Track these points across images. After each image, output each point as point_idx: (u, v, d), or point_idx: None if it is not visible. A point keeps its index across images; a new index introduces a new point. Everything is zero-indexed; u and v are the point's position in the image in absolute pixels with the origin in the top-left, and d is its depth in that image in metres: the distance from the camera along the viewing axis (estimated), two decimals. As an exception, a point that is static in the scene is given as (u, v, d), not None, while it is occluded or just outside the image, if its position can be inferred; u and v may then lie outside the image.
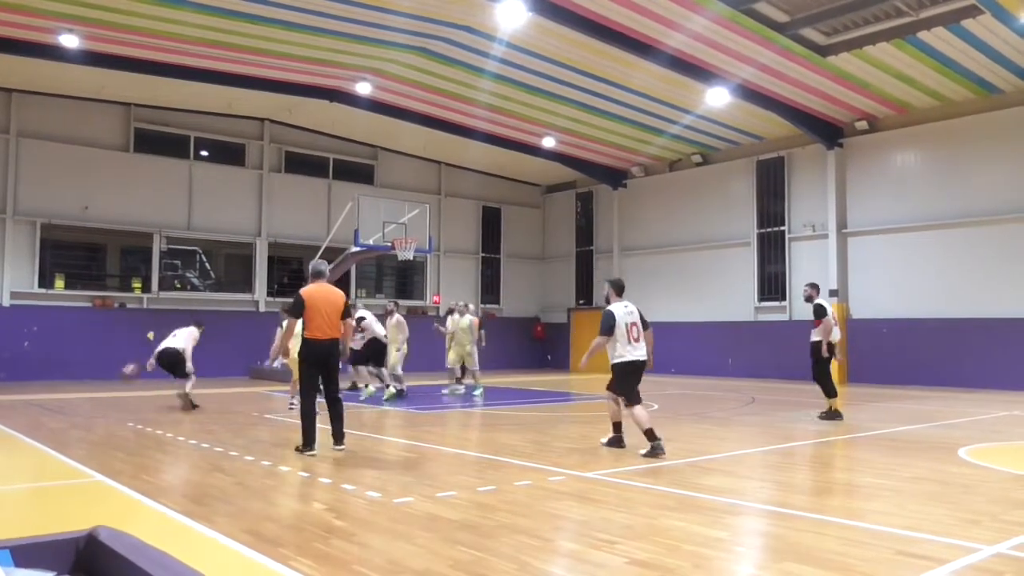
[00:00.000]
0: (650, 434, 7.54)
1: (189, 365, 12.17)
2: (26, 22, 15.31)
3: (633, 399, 7.82)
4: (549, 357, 27.37)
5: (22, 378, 17.80)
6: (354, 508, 5.29)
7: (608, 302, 8.17)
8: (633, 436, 7.95)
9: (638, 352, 7.91)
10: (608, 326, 7.90)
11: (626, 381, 7.91)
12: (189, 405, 11.96)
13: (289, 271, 23.11)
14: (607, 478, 6.42)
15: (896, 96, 17.97)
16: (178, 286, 21.33)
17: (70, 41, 16.02)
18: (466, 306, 15.55)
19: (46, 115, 19.41)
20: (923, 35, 14.66)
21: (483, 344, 15.52)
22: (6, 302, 18.58)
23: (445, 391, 15.38)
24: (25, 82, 18.68)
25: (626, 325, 7.89)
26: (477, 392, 14.83)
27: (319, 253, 19.81)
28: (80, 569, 1.33)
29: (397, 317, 14.41)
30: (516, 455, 7.66)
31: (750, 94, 17.95)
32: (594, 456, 7.65)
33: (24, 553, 1.28)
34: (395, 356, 14.20)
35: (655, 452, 7.45)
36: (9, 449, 8.23)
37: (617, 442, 8.06)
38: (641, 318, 8.05)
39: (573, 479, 6.38)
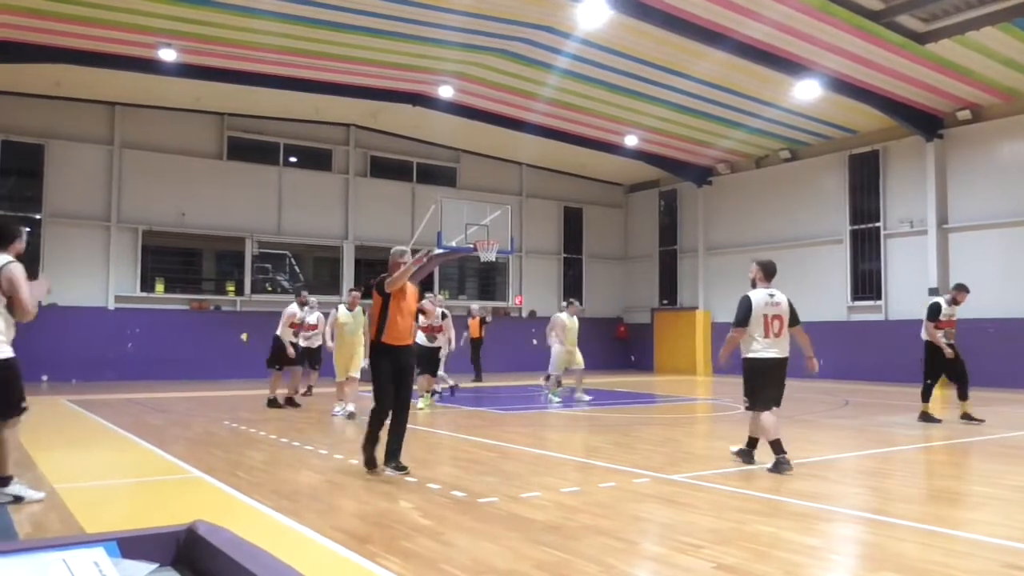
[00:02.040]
0: (776, 446, 6.67)
1: (290, 351, 12.69)
2: (127, 38, 16.13)
3: (758, 403, 6.85)
4: (632, 358, 27.07)
5: (126, 378, 18.73)
6: (440, 507, 5.35)
7: (753, 286, 7.10)
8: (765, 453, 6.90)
9: (775, 349, 6.85)
10: (742, 316, 6.88)
11: (755, 381, 6.90)
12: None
13: (375, 273, 23.56)
14: (693, 481, 6.30)
15: (1002, 83, 17.02)
16: (269, 289, 22.05)
17: (168, 55, 16.79)
18: (569, 303, 14.92)
19: (146, 126, 20.39)
20: (1030, 18, 13.86)
21: (453, 348, 13.96)
22: (111, 305, 19.59)
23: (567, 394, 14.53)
24: (127, 95, 19.68)
25: (766, 316, 6.84)
26: (554, 392, 14.21)
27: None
28: (180, 561, 1.37)
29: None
30: (600, 456, 7.60)
31: (842, 86, 17.32)
32: (679, 458, 7.52)
33: (130, 545, 1.33)
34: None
35: (780, 467, 6.55)
36: (115, 445, 8.67)
37: (746, 455, 7.10)
38: (792, 311, 6.99)
39: (658, 481, 6.28)
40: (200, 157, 21.07)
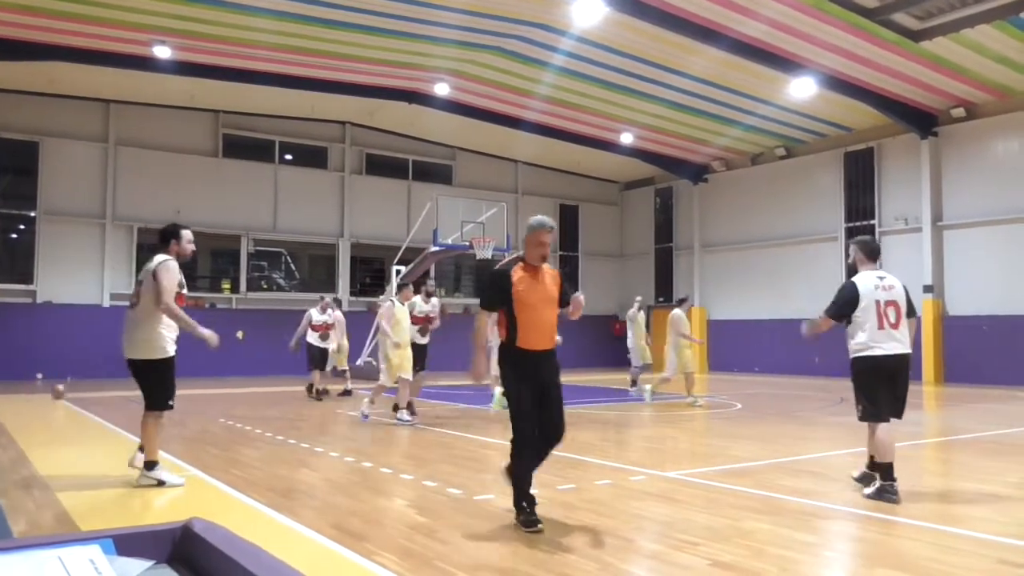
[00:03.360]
0: (887, 470, 5.42)
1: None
2: (121, 35, 16.08)
3: (873, 412, 5.56)
4: (629, 355, 27.06)
5: (122, 375, 18.66)
6: (436, 504, 5.35)
7: (855, 270, 5.91)
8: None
9: (892, 344, 5.53)
10: (842, 304, 5.68)
11: (868, 384, 5.60)
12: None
13: (371, 271, 23.58)
14: (689, 478, 6.31)
15: (996, 80, 17.06)
16: (265, 287, 22.03)
17: (162, 52, 16.75)
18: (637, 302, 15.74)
19: (141, 124, 20.35)
20: (1025, 15, 13.89)
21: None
22: (106, 303, 19.55)
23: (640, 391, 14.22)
24: (122, 93, 19.62)
25: (878, 303, 5.57)
26: (637, 391, 14.30)
27: (399, 253, 20.17)
28: (176, 559, 1.37)
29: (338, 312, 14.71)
30: (596, 454, 7.60)
31: (837, 84, 17.35)
32: (676, 456, 7.53)
33: (125, 542, 1.33)
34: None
35: (884, 495, 5.35)
36: (110, 443, 8.65)
37: (869, 480, 5.69)
38: (909, 299, 5.76)
39: (654, 479, 6.29)
40: (195, 155, 21.03)
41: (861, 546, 4.50)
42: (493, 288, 4.91)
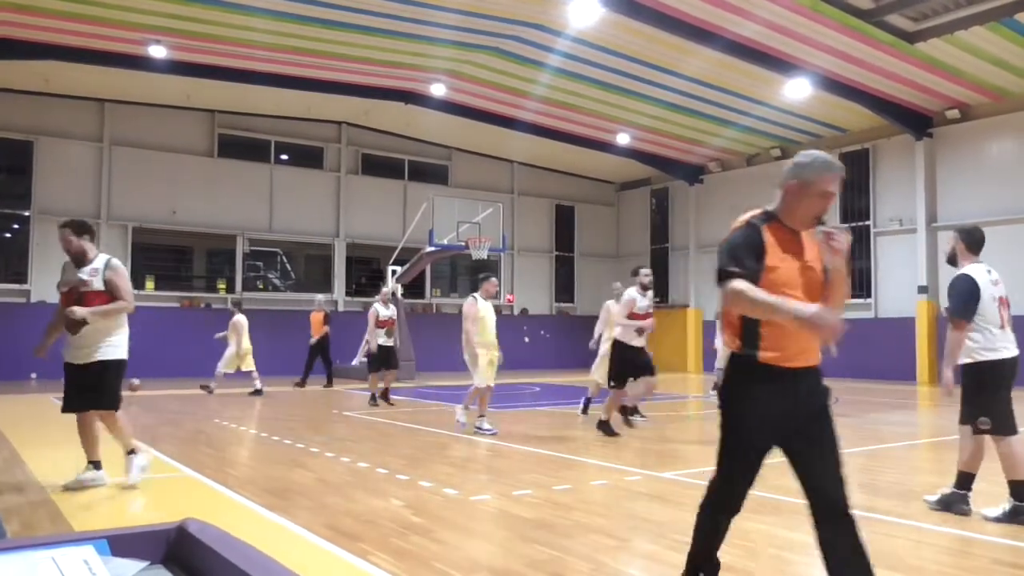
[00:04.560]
0: (1020, 489, 4.83)
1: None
2: (116, 35, 16.04)
3: (1001, 424, 4.90)
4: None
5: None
6: (431, 505, 5.34)
7: (954, 263, 5.22)
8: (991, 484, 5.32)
9: (1010, 346, 4.93)
10: (967, 300, 4.89)
11: (989, 392, 4.93)
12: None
13: (367, 271, 23.55)
14: (684, 479, 6.31)
15: (990, 82, 17.12)
16: (260, 287, 21.99)
17: (158, 52, 16.71)
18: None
19: (136, 124, 20.30)
20: (1021, 16, 13.93)
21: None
22: (102, 303, 19.47)
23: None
24: (116, 92, 19.57)
25: (995, 299, 4.97)
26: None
27: (395, 253, 20.15)
28: (171, 559, 1.36)
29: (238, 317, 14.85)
30: (592, 454, 7.61)
31: (832, 85, 17.39)
32: (671, 456, 7.53)
33: (120, 543, 1.32)
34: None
35: (1018, 515, 4.76)
36: (106, 443, 8.61)
37: (960, 502, 5.06)
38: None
39: (650, 479, 6.30)
40: (191, 154, 20.99)
41: (856, 546, 4.50)
42: (743, 248, 3.00)
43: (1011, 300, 5.18)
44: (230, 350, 14.69)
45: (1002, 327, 4.94)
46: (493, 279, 9.49)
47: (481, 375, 9.10)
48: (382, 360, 12.79)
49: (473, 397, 9.34)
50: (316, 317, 16.21)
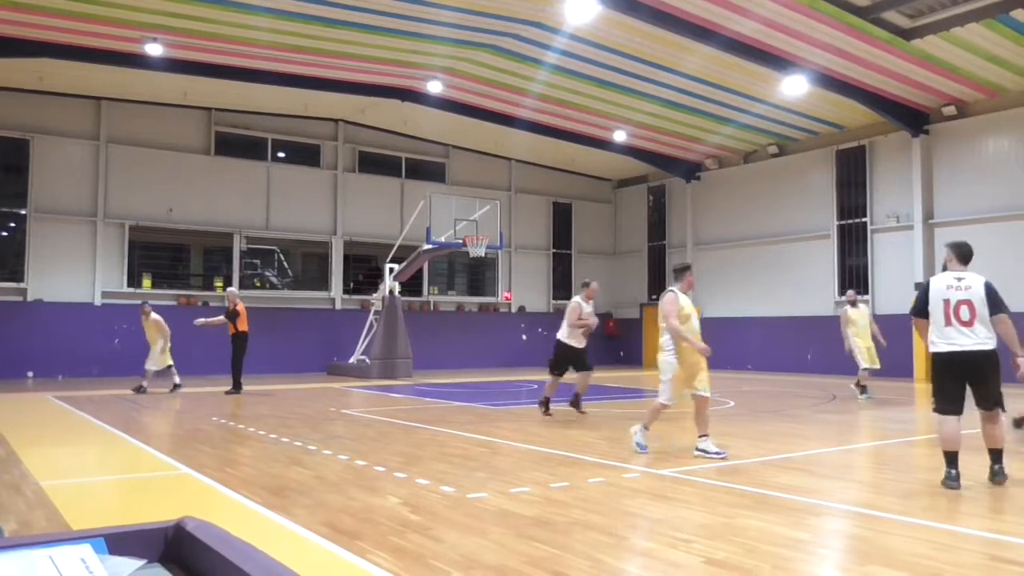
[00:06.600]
0: (950, 458, 5.92)
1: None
2: (112, 32, 15.99)
3: (935, 405, 6.09)
4: (622, 353, 27.16)
5: (113, 374, 18.62)
6: (429, 503, 5.34)
7: (945, 270, 6.26)
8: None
9: (962, 340, 5.86)
10: (916, 302, 6.18)
11: (936, 381, 6.12)
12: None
13: (364, 269, 23.54)
14: (682, 476, 6.32)
15: (987, 79, 17.14)
16: (258, 285, 21.96)
17: (154, 50, 16.66)
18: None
19: (132, 121, 20.25)
20: (1017, 13, 13.95)
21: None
22: (98, 301, 19.46)
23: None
24: (113, 90, 19.53)
25: (946, 302, 5.95)
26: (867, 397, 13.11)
27: (392, 251, 20.15)
28: (169, 558, 1.36)
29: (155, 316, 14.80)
30: (589, 452, 7.61)
31: (829, 82, 17.40)
32: (669, 453, 7.54)
33: (117, 541, 1.32)
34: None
35: (946, 482, 5.83)
36: (103, 442, 8.62)
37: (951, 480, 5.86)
38: (992, 297, 5.89)
39: (648, 476, 6.30)
40: (187, 152, 20.95)
41: (853, 543, 4.52)
42: None
43: (1008, 295, 6.07)
44: (157, 349, 14.77)
45: (948, 324, 5.91)
46: (690, 271, 7.89)
47: (667, 390, 7.56)
48: (572, 361, 10.97)
49: (656, 414, 7.83)
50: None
